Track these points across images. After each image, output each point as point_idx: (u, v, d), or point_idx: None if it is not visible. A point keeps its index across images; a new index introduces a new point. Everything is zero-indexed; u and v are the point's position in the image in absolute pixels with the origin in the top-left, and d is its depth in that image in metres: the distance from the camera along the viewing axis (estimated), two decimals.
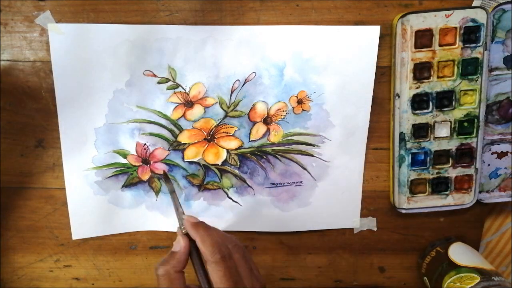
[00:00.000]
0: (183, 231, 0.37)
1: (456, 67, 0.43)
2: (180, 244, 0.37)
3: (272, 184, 0.47)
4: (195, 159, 0.46)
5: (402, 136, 0.45)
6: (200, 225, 0.37)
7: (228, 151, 0.46)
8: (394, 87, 0.44)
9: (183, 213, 0.38)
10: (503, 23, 0.43)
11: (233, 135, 0.46)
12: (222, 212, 0.48)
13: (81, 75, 0.43)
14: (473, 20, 0.42)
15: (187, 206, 0.48)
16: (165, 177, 0.41)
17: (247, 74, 0.44)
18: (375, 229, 0.50)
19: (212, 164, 0.46)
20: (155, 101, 0.44)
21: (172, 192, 0.39)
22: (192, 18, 0.42)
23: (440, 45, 0.42)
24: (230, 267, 0.35)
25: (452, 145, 0.45)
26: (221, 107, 0.45)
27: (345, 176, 0.47)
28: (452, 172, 0.46)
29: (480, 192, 0.47)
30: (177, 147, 0.46)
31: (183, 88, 0.44)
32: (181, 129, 0.45)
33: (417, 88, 0.43)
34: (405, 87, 0.43)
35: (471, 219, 0.50)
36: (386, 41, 0.43)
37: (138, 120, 0.45)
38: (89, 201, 0.47)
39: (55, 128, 0.45)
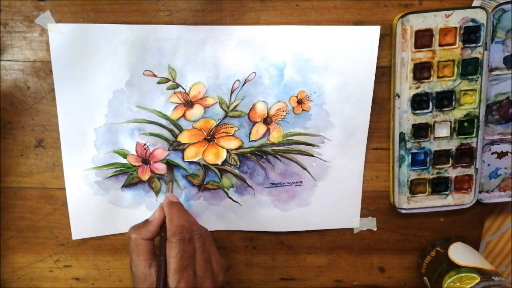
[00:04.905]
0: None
1: (456, 67, 0.43)
2: (155, 216, 0.40)
3: (272, 184, 0.47)
4: (195, 159, 0.46)
5: (402, 136, 0.45)
6: (175, 205, 0.40)
7: (228, 151, 0.46)
8: (394, 87, 0.44)
9: (171, 192, 0.42)
10: (503, 23, 0.43)
11: (233, 135, 0.46)
12: (222, 212, 0.48)
13: (81, 75, 0.43)
14: (473, 20, 0.42)
15: (187, 206, 0.47)
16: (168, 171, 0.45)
17: (247, 74, 0.44)
18: (375, 229, 0.50)
19: (212, 164, 0.46)
20: (155, 101, 0.44)
21: (170, 181, 0.44)
22: (192, 18, 0.42)
23: (440, 45, 0.42)
24: (185, 250, 0.37)
25: (452, 145, 0.45)
26: (221, 107, 0.45)
27: (345, 176, 0.47)
28: (452, 172, 0.46)
29: (480, 192, 0.47)
30: (177, 147, 0.46)
31: (183, 88, 0.44)
32: (181, 129, 0.45)
33: (417, 88, 0.43)
34: (405, 87, 0.43)
35: (471, 219, 0.49)
36: (386, 41, 0.43)
37: (138, 120, 0.45)
38: (89, 201, 0.47)
39: (55, 128, 0.45)
